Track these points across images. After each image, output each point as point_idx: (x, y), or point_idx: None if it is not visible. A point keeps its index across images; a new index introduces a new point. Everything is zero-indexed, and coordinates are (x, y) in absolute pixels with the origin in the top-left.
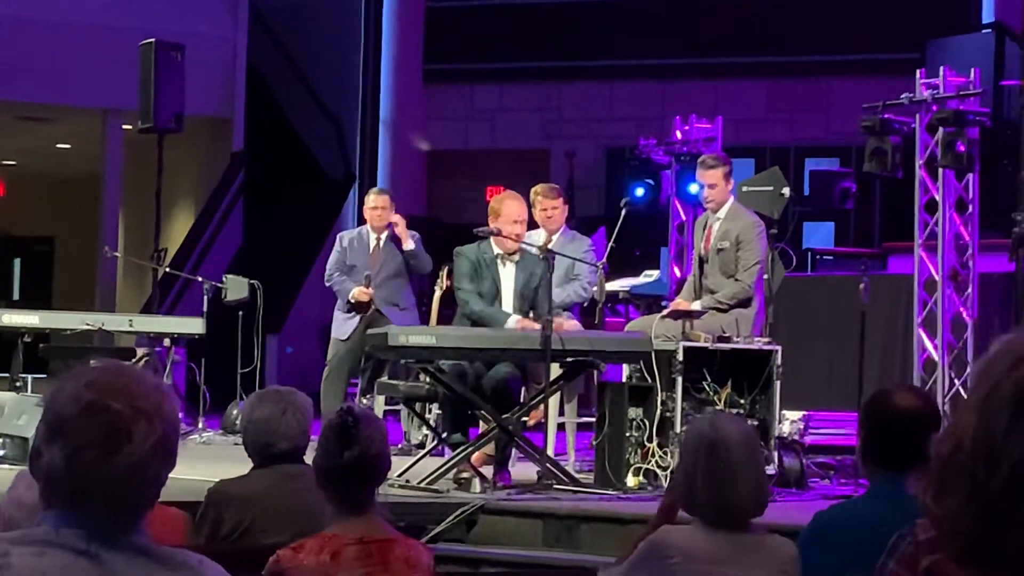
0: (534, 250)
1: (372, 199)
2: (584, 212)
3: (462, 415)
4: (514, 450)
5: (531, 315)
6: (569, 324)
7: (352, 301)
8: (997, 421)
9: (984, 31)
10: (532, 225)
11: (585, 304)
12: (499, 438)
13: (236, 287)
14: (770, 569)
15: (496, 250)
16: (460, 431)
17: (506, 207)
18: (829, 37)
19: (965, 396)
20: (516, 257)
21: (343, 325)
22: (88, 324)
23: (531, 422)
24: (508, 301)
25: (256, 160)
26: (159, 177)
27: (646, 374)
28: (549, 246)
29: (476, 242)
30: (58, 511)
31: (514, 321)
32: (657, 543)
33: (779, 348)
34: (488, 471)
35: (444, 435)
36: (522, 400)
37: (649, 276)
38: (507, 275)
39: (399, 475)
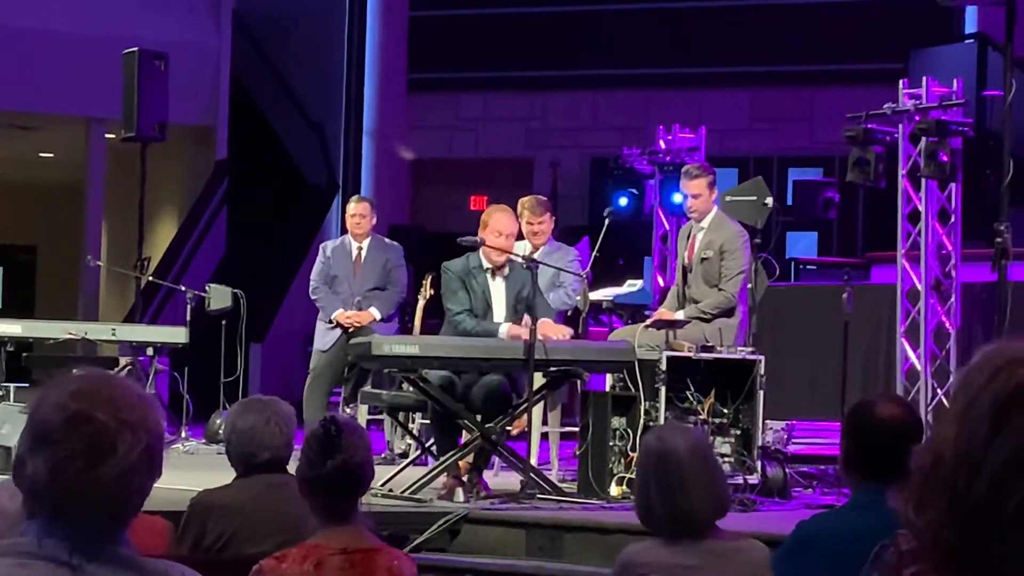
0: (518, 259)
1: (352, 207)
2: (568, 221)
3: (452, 424)
4: (497, 459)
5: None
6: (562, 331)
7: (333, 321)
8: (977, 432)
9: (967, 41)
10: (518, 236)
11: (569, 313)
12: (482, 447)
13: (219, 296)
14: (744, 574)
15: (486, 263)
16: (450, 441)
17: (494, 220)
18: (813, 47)
19: (946, 407)
20: (506, 270)
21: (325, 336)
22: (71, 333)
23: (515, 431)
24: (500, 314)
25: (239, 169)
26: (142, 186)
27: (629, 383)
28: (534, 256)
29: (464, 255)
30: (41, 521)
31: (505, 329)
32: (629, 560)
33: (762, 357)
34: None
35: (430, 443)
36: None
37: (633, 285)
38: (497, 288)
39: (382, 484)
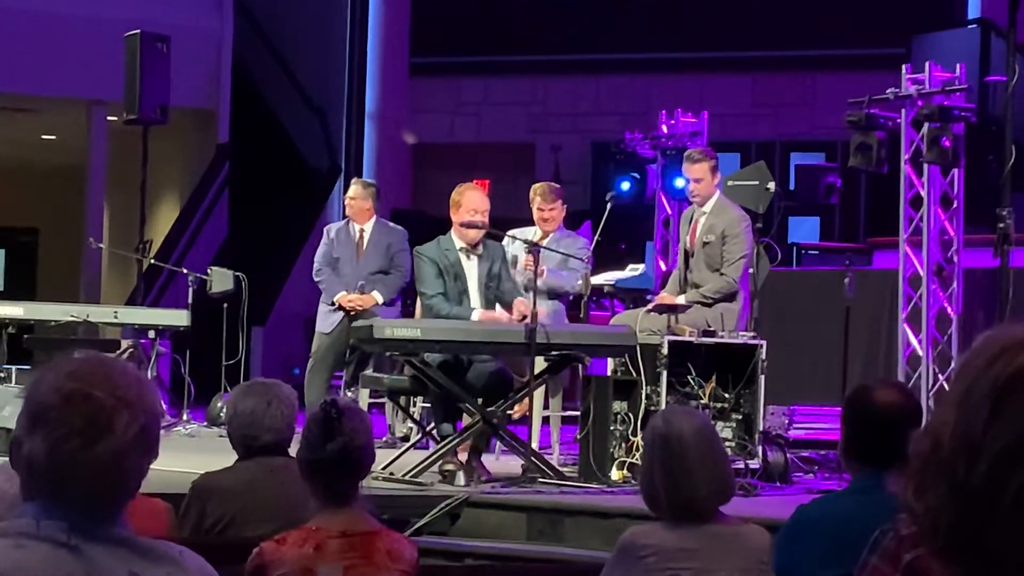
0: (521, 245)
1: (349, 190)
2: (570, 206)
3: (452, 407)
4: (498, 443)
5: (496, 307)
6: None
7: (335, 303)
8: (976, 416)
9: (970, 26)
10: (529, 222)
11: (571, 298)
12: (483, 430)
13: (221, 279)
14: (745, 559)
15: (458, 244)
16: (450, 423)
17: (466, 198)
18: (815, 32)
19: (947, 391)
20: (479, 250)
21: (327, 318)
22: (73, 316)
23: (516, 415)
24: (474, 295)
25: (241, 152)
26: (144, 168)
27: (631, 368)
28: (544, 242)
29: (435, 239)
30: (39, 502)
31: (477, 315)
32: (630, 542)
33: (764, 342)
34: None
35: (431, 427)
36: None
37: (634, 270)
38: (471, 268)
39: (383, 468)
